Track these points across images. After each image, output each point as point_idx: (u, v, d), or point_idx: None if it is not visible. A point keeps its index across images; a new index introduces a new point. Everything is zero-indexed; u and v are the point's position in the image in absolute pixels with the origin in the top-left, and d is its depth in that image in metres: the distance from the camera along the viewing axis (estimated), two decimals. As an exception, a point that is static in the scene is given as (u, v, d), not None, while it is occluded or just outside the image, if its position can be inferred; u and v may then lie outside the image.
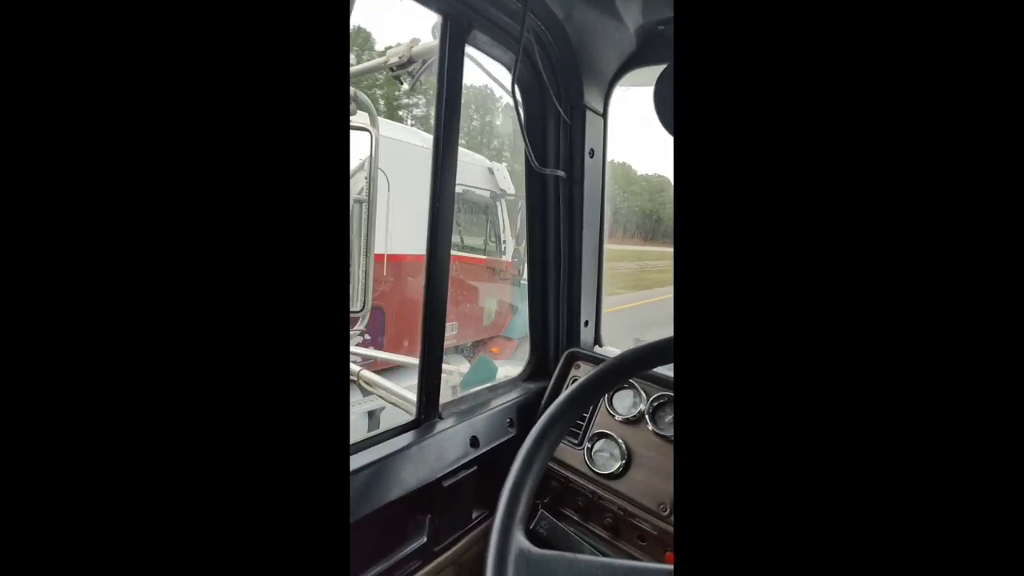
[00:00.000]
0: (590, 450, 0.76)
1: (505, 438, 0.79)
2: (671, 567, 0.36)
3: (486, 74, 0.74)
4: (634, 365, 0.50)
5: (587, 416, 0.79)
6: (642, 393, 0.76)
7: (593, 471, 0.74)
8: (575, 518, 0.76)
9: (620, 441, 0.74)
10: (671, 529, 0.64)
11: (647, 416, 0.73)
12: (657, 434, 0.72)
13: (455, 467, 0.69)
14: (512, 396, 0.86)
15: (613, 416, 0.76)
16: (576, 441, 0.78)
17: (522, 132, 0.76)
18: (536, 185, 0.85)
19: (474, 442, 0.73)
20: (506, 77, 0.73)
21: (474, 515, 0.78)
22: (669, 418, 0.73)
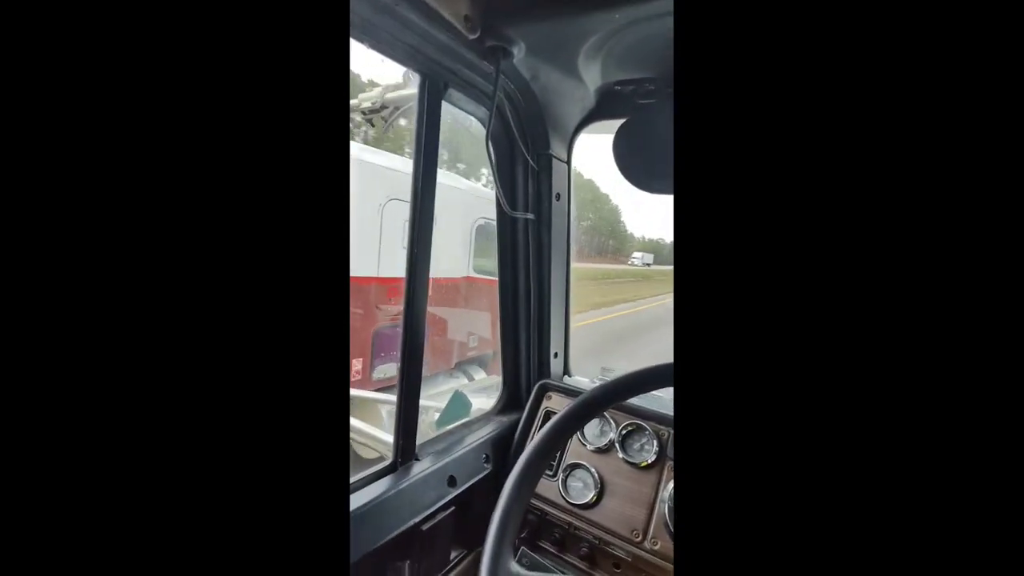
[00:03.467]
0: (564, 481, 0.78)
1: (481, 475, 0.81)
2: None
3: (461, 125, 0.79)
4: (610, 397, 0.53)
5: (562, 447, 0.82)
6: (611, 422, 0.80)
7: (568, 502, 0.76)
8: (552, 550, 0.78)
9: (593, 471, 0.77)
10: (644, 555, 0.68)
11: (617, 444, 0.77)
12: (627, 461, 0.76)
13: (433, 509, 0.70)
14: (487, 430, 0.87)
15: (585, 446, 0.80)
16: (551, 473, 0.80)
17: (495, 179, 0.81)
18: (507, 227, 0.90)
19: (452, 481, 0.74)
20: (477, 126, 0.79)
21: (452, 555, 0.77)
22: (637, 445, 0.77)
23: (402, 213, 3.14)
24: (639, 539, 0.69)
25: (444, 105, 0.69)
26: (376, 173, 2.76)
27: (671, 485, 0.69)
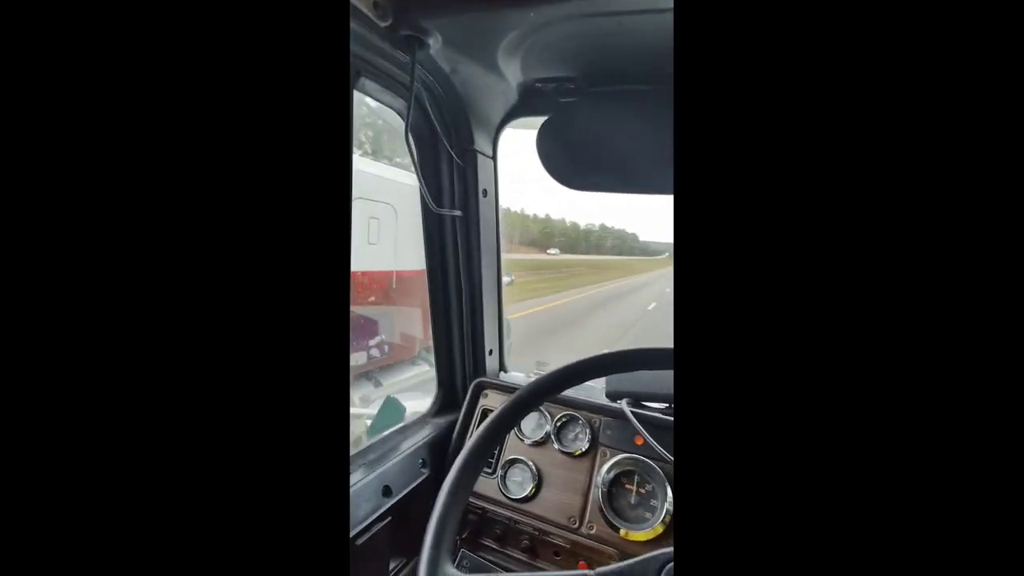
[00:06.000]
0: (503, 477, 0.79)
1: (419, 480, 0.79)
2: (584, 571, 0.42)
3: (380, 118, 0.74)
4: (545, 391, 0.54)
5: (500, 445, 0.82)
6: (547, 415, 0.82)
7: (508, 497, 0.77)
8: (494, 546, 0.78)
9: (530, 464, 0.78)
10: (582, 540, 0.70)
11: (553, 436, 0.79)
12: (563, 452, 0.78)
13: (368, 522, 0.67)
14: (423, 434, 0.85)
15: (523, 440, 0.81)
16: (490, 470, 0.81)
17: (417, 175, 0.78)
18: (434, 225, 0.87)
19: (387, 491, 0.71)
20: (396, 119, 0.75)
21: (392, 566, 0.75)
22: (572, 435, 0.79)
23: (367, 211, 3.18)
24: (576, 525, 0.71)
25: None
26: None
27: (604, 470, 0.73)
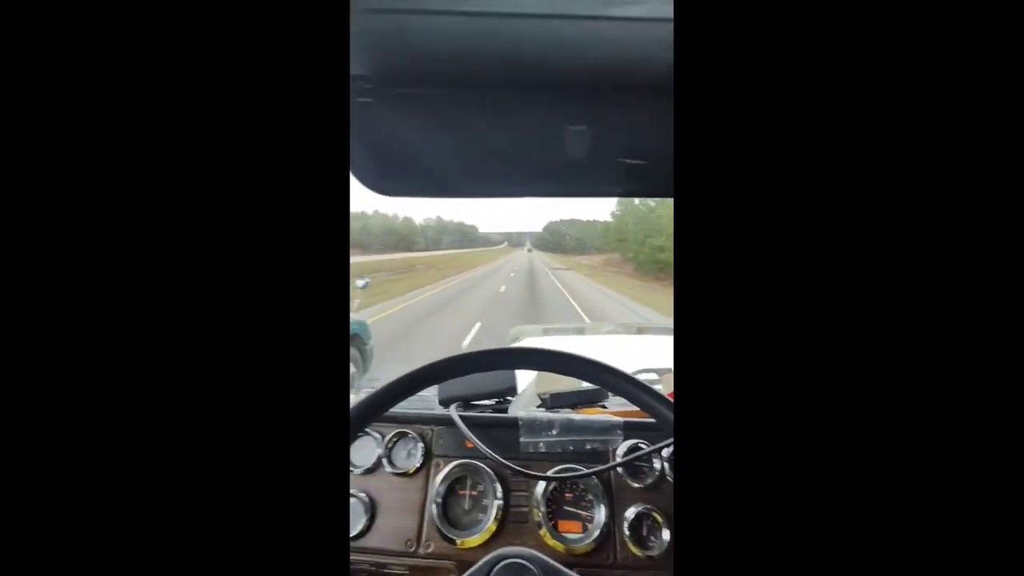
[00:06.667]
0: None
1: None
2: None
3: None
4: (375, 410, 0.50)
5: None
6: (377, 436, 0.76)
7: None
8: None
9: (362, 495, 0.72)
10: (420, 562, 0.68)
11: (385, 460, 0.75)
12: (395, 474, 0.74)
13: None
14: None
15: (353, 471, 0.74)
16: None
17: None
18: None
19: None
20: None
21: None
22: (404, 452, 0.76)
23: None
24: (412, 548, 0.68)
25: None
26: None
27: (437, 482, 0.71)
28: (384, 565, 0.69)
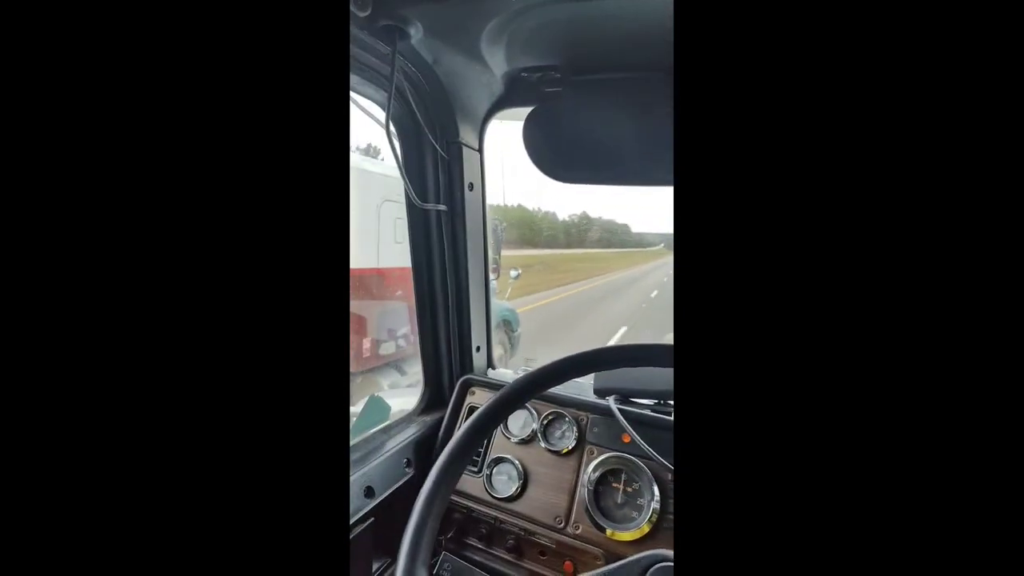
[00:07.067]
0: (489, 476, 0.78)
1: (403, 480, 0.77)
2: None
3: (362, 111, 0.72)
4: (529, 389, 0.53)
5: (486, 443, 0.81)
6: (533, 412, 0.81)
7: (493, 496, 0.76)
8: (479, 545, 0.77)
9: (516, 463, 0.77)
10: (567, 540, 0.69)
11: (539, 434, 0.78)
12: (549, 450, 0.77)
13: (349, 524, 0.66)
14: (408, 433, 0.84)
15: (509, 439, 0.80)
16: (476, 469, 0.80)
17: (400, 169, 0.76)
18: (418, 220, 0.85)
19: (369, 492, 0.70)
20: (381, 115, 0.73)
21: (375, 567, 0.74)
22: (559, 433, 0.78)
23: (393, 212, 3.27)
24: (562, 525, 0.70)
25: None
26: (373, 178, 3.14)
27: (590, 468, 0.72)
28: (533, 533, 0.73)
